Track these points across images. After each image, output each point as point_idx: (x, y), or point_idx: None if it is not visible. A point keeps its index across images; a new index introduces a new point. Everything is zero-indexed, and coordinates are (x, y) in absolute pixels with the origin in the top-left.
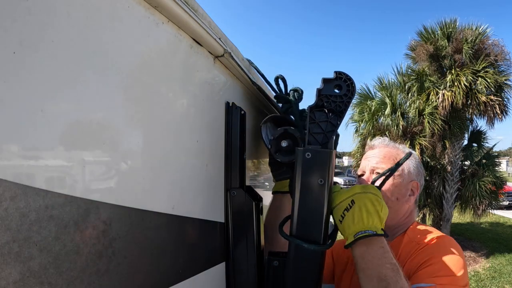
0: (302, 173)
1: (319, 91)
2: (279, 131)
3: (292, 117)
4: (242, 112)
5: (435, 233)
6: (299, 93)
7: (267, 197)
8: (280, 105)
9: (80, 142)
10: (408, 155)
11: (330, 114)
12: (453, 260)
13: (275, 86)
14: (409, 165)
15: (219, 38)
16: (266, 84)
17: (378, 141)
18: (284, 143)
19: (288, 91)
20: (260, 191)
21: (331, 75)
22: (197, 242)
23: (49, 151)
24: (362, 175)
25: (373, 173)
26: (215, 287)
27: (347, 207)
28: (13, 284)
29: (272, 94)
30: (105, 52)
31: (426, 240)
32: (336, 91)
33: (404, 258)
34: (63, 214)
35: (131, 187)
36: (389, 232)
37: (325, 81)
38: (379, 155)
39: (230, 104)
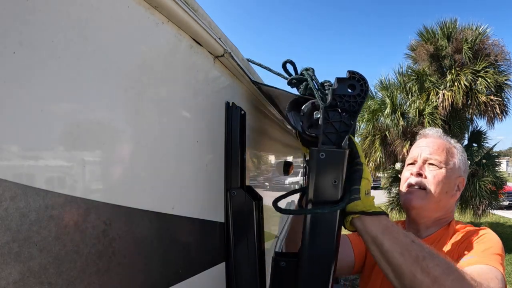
0: (316, 173)
1: (333, 90)
2: (307, 105)
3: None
4: (242, 112)
5: (475, 228)
6: (311, 71)
7: (267, 197)
8: (295, 89)
9: (80, 142)
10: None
11: (344, 114)
12: (494, 248)
13: (284, 73)
14: (460, 159)
15: (219, 38)
16: (273, 74)
17: (432, 131)
18: (317, 114)
19: (299, 73)
20: (260, 191)
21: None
22: (197, 242)
23: (49, 151)
24: (413, 164)
25: (425, 163)
26: (215, 287)
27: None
28: (13, 284)
29: (275, 89)
30: (105, 52)
31: (470, 231)
32: (349, 90)
33: (454, 247)
34: (63, 214)
35: (131, 187)
36: (433, 224)
37: (339, 80)
38: (433, 145)
39: (230, 104)
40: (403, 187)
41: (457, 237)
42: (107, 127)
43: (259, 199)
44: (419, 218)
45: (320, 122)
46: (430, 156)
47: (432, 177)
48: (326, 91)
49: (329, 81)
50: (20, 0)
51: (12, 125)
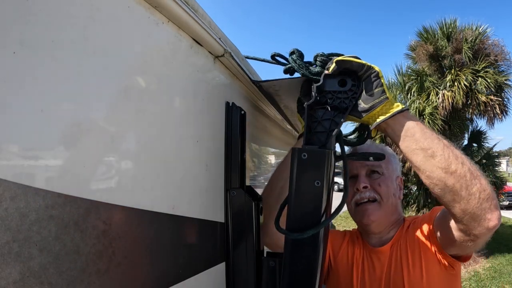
0: (297, 174)
1: (318, 87)
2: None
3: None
4: (242, 112)
5: (423, 215)
6: (296, 54)
7: None
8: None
9: (80, 142)
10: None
11: (333, 112)
12: None
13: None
14: (392, 161)
15: (219, 38)
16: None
17: (359, 146)
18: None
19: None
20: (260, 191)
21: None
22: (197, 242)
23: (49, 151)
24: (354, 177)
25: (367, 173)
26: (215, 287)
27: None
28: (13, 284)
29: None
30: (105, 52)
31: (420, 217)
32: (340, 86)
33: (416, 236)
34: (63, 214)
35: (131, 187)
36: (392, 227)
37: (327, 76)
38: None
39: (230, 104)
40: (352, 205)
41: (414, 228)
42: (107, 127)
43: (259, 199)
44: (379, 228)
45: (304, 120)
46: (370, 165)
47: (378, 185)
48: (316, 65)
49: (322, 53)
50: (20, 0)
51: (12, 125)
